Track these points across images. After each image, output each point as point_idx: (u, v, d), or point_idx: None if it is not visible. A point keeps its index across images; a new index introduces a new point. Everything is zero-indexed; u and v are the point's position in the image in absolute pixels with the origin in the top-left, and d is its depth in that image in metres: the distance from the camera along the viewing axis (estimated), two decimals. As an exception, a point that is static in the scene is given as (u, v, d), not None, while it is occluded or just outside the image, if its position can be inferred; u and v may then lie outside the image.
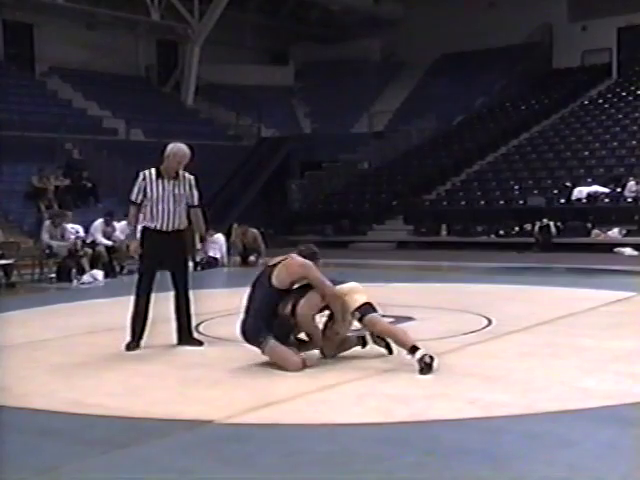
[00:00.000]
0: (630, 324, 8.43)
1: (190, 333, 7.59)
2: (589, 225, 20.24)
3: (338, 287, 6.66)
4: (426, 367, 6.06)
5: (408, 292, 11.95)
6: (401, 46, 33.26)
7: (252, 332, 6.50)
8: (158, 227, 7.40)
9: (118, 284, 14.40)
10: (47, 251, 15.17)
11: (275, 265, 6.62)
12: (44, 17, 28.42)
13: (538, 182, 23.42)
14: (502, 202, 22.89)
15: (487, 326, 8.42)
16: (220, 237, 17.59)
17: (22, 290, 13.87)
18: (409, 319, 8.91)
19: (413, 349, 6.24)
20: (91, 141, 24.11)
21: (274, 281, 6.51)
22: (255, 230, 17.89)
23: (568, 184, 22.10)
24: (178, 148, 7.51)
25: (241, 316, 6.69)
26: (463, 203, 23.65)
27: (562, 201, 21.59)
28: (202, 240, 8.48)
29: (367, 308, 6.65)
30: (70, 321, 9.68)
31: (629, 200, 20.70)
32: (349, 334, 6.90)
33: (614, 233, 19.75)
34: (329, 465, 4.26)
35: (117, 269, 15.82)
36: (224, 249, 17.51)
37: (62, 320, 9.77)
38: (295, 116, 33.54)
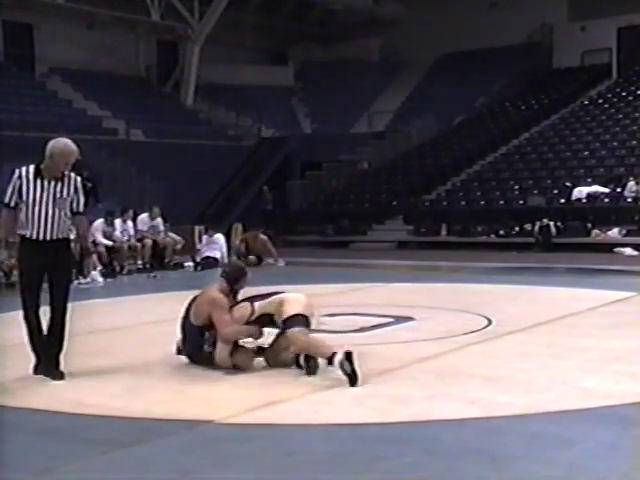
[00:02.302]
0: (630, 324, 8.43)
1: (56, 362, 6.27)
2: (589, 225, 20.22)
3: (268, 301, 6.46)
4: (351, 376, 5.73)
5: (408, 292, 11.95)
6: (401, 46, 33.23)
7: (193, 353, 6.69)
8: (34, 236, 6.18)
9: (118, 284, 14.40)
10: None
11: (194, 299, 6.67)
12: (44, 17, 28.41)
13: (538, 182, 23.41)
14: (502, 202, 22.89)
15: (487, 326, 8.42)
16: (220, 237, 17.59)
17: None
18: (409, 319, 8.92)
19: (330, 359, 5.92)
20: (91, 141, 24.12)
21: (192, 318, 6.57)
22: (264, 236, 17.88)
23: (568, 184, 22.08)
24: (65, 145, 6.20)
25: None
26: (463, 203, 23.64)
27: (562, 201, 21.57)
28: (84, 252, 7.30)
29: (293, 321, 6.29)
30: (70, 321, 9.66)
31: (629, 200, 20.69)
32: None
33: (614, 233, 19.75)
34: (329, 465, 4.26)
35: (117, 269, 15.81)
36: (224, 249, 17.51)
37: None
38: (295, 116, 33.54)
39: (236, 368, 6.32)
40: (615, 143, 24.64)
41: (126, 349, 7.64)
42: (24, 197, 6.15)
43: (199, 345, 6.51)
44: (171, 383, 6.13)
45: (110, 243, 15.77)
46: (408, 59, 33.32)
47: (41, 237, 6.17)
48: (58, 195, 6.19)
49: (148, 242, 16.69)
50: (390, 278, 13.85)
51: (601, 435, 4.72)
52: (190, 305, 6.67)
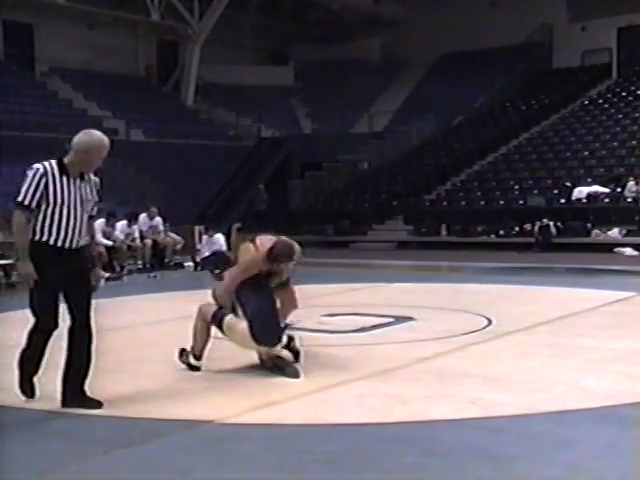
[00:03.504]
0: (630, 324, 8.43)
1: (83, 390, 5.46)
2: (589, 225, 20.22)
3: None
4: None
5: (408, 292, 11.95)
6: (401, 46, 33.24)
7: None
8: (59, 243, 5.33)
9: (118, 284, 14.40)
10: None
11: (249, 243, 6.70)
12: (44, 17, 28.43)
13: (538, 182, 23.41)
14: (502, 202, 22.88)
15: (487, 326, 8.42)
16: (220, 237, 17.57)
17: (22, 290, 13.84)
18: (409, 319, 8.91)
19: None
20: (91, 141, 24.10)
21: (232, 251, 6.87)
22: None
23: (568, 184, 22.08)
24: (101, 138, 5.42)
25: None
26: (463, 203, 23.64)
27: (562, 201, 21.57)
28: (94, 260, 5.84)
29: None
30: (69, 322, 9.66)
31: (629, 200, 20.69)
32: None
33: (614, 233, 19.74)
34: (329, 465, 4.26)
35: (117, 269, 15.82)
36: (224, 249, 17.50)
37: (62, 320, 9.75)
38: (295, 116, 33.54)
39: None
40: (615, 143, 24.64)
41: (126, 349, 7.63)
42: (50, 197, 5.27)
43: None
44: (171, 383, 6.13)
45: (110, 243, 15.78)
46: (408, 59, 33.33)
47: (67, 244, 5.33)
48: (84, 196, 5.41)
49: (148, 242, 16.71)
50: (390, 278, 13.85)
51: (601, 435, 4.72)
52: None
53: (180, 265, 17.16)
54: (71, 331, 5.46)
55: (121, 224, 16.58)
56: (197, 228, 19.67)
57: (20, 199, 5.26)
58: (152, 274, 15.72)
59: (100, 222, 16.00)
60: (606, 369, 6.29)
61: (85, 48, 29.03)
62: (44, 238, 5.29)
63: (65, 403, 5.39)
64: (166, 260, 17.04)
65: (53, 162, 5.33)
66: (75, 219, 5.34)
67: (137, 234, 16.63)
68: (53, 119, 24.48)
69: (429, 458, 4.33)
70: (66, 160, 5.35)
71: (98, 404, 5.33)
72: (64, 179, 5.30)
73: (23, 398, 5.51)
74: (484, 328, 8.31)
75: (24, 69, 28.56)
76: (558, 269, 15.58)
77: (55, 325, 5.42)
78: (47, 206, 5.26)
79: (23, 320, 8.66)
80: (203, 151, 26.64)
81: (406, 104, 32.04)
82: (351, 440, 4.67)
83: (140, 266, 16.56)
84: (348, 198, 26.39)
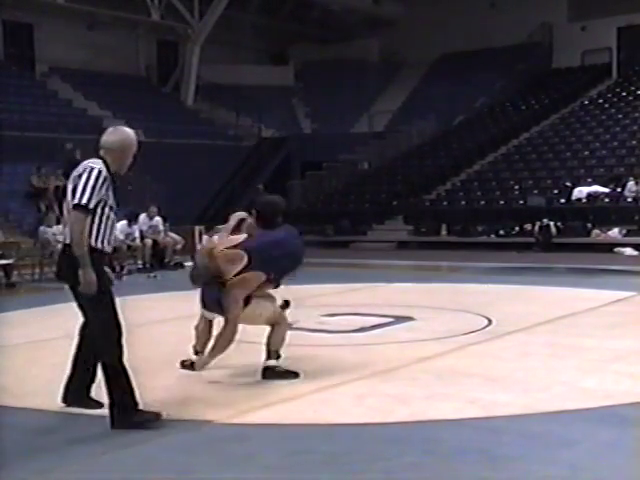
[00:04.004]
0: (630, 324, 8.43)
1: (88, 391, 5.37)
2: (589, 225, 20.21)
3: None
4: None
5: (408, 292, 11.95)
6: (401, 46, 33.21)
7: None
8: (108, 248, 5.07)
9: (118, 284, 14.37)
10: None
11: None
12: (44, 17, 28.41)
13: (538, 182, 23.40)
14: (502, 202, 22.87)
15: (487, 326, 8.42)
16: (220, 237, 17.59)
17: (22, 290, 13.87)
18: (409, 319, 8.92)
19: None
20: (91, 141, 24.06)
21: (203, 258, 6.32)
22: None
23: (568, 184, 22.07)
24: (133, 135, 5.28)
25: None
26: (463, 203, 23.63)
27: (562, 201, 21.57)
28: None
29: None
30: (70, 321, 9.65)
31: (629, 200, 20.68)
32: None
33: (614, 233, 19.73)
34: (329, 465, 4.26)
35: (117, 269, 15.82)
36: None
37: (62, 320, 9.75)
38: (295, 116, 33.54)
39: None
40: (615, 143, 24.63)
41: (126, 349, 7.61)
42: (110, 200, 4.97)
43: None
44: (171, 383, 6.13)
45: (132, 244, 15.82)
46: (408, 59, 33.31)
47: (110, 249, 5.11)
48: (115, 197, 5.12)
49: (148, 242, 16.72)
50: (390, 278, 13.85)
51: (601, 435, 4.72)
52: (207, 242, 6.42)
53: (180, 265, 17.15)
54: (83, 330, 5.34)
55: (121, 224, 16.58)
56: (197, 228, 19.68)
57: (85, 201, 4.81)
58: (152, 274, 15.72)
59: (122, 224, 16.07)
60: (606, 369, 6.29)
61: (85, 48, 29.02)
62: (99, 244, 4.94)
63: (67, 401, 5.34)
64: (166, 260, 17.05)
65: (101, 162, 5.00)
66: (113, 221, 5.09)
67: (137, 234, 16.65)
68: (53, 119, 24.48)
69: (429, 458, 4.33)
70: (108, 159, 5.04)
71: (98, 405, 5.27)
72: (111, 181, 5.03)
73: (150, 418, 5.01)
74: (484, 328, 8.31)
75: (24, 69, 28.53)
76: (558, 269, 15.58)
77: (120, 339, 5.06)
78: (103, 210, 4.93)
79: (23, 320, 8.62)
80: (203, 151, 26.64)
81: (406, 104, 32.04)
82: (351, 440, 4.67)
83: (140, 266, 16.58)
84: (348, 198, 26.39)
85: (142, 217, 17.14)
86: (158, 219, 17.32)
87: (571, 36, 30.32)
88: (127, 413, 4.92)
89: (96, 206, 4.88)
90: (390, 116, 31.33)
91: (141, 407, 5.00)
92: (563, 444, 4.50)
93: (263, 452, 4.48)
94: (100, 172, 4.90)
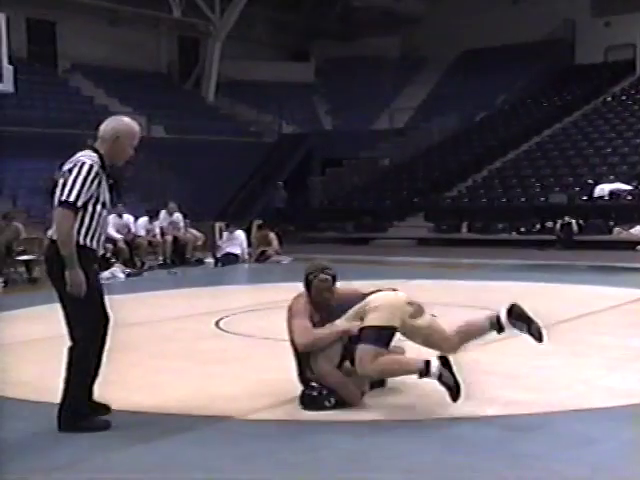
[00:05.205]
0: (653, 322, 8.36)
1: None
2: (611, 223, 20.08)
3: (356, 309, 5.25)
4: (452, 388, 4.96)
5: (428, 289, 11.89)
6: (422, 43, 33.13)
7: None
8: (94, 245, 4.82)
9: (138, 280, 14.46)
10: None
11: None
12: (66, 14, 28.57)
13: (560, 179, 23.26)
14: (523, 199, 22.75)
15: (508, 324, 8.37)
16: (241, 233, 17.64)
17: (44, 286, 13.94)
18: (430, 316, 8.87)
19: (423, 371, 5.00)
20: (113, 138, 24.25)
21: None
22: (272, 234, 17.97)
23: (590, 181, 21.93)
24: (129, 123, 5.02)
25: None
26: (484, 200, 23.54)
27: (584, 198, 21.43)
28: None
29: (361, 336, 5.07)
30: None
31: (652, 197, 20.53)
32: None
33: (636, 231, 19.58)
34: (350, 462, 4.26)
35: (138, 265, 15.90)
36: (244, 245, 17.56)
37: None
38: (316, 113, 33.53)
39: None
40: (638, 140, 24.41)
41: (146, 344, 7.67)
42: (101, 196, 4.76)
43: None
44: (191, 379, 6.15)
45: (120, 237, 15.75)
46: (429, 56, 33.22)
47: (101, 248, 4.94)
48: (112, 192, 4.93)
49: (169, 238, 16.78)
50: (410, 275, 13.80)
51: (623, 434, 4.68)
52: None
53: (200, 261, 17.22)
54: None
55: (142, 220, 16.68)
56: (218, 224, 19.74)
57: (73, 199, 4.63)
58: (172, 270, 15.78)
59: (112, 216, 16.06)
60: (628, 367, 6.25)
61: (107, 45, 29.17)
62: (88, 242, 4.75)
63: None
64: (186, 256, 17.11)
65: (95, 155, 4.78)
66: (105, 218, 4.89)
67: (158, 230, 16.72)
68: (75, 115, 24.61)
69: (449, 456, 4.31)
70: (101, 151, 4.82)
71: (107, 409, 5.07)
72: (104, 175, 4.80)
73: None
74: (505, 326, 8.26)
75: (47, 66, 28.72)
76: (580, 267, 15.49)
77: (103, 339, 4.93)
78: (94, 206, 4.74)
79: (45, 316, 8.69)
80: (224, 147, 26.69)
81: (427, 101, 31.95)
82: (370, 437, 4.66)
83: (161, 262, 16.64)
84: (369, 195, 26.35)
85: (162, 213, 17.21)
86: (178, 215, 17.38)
87: (594, 32, 30.08)
88: (76, 417, 4.78)
89: (86, 203, 4.69)
90: (411, 113, 31.25)
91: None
92: (584, 443, 4.47)
93: (282, 448, 4.48)
94: (91, 167, 4.70)
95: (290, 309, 5.33)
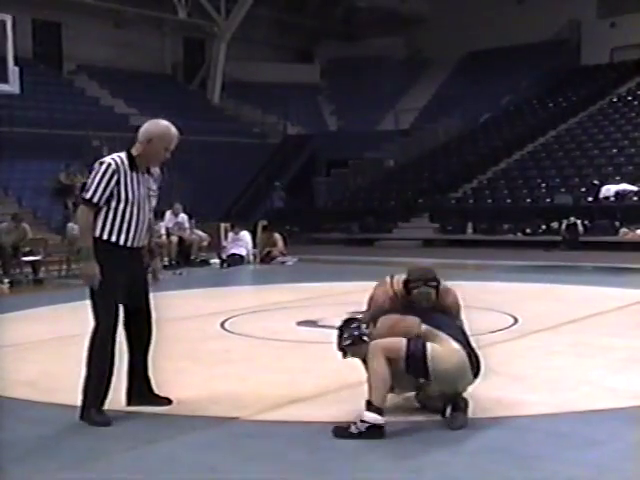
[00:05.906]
0: (658, 323, 8.34)
1: (150, 387, 5.41)
2: (617, 223, 20.04)
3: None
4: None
5: (434, 290, 11.89)
6: (427, 44, 33.15)
7: None
8: (128, 242, 5.07)
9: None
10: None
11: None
12: (72, 15, 28.63)
13: (565, 180, 23.23)
14: (529, 200, 22.74)
15: (513, 325, 8.38)
16: (246, 234, 17.65)
17: (49, 286, 13.98)
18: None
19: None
20: (118, 138, 24.27)
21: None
22: (278, 235, 17.97)
23: (596, 182, 21.89)
24: (166, 126, 5.25)
25: None
26: (489, 201, 23.53)
27: (590, 199, 21.39)
28: (152, 254, 5.59)
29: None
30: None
31: (658, 198, 20.49)
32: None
33: (642, 231, 19.54)
34: (354, 463, 4.26)
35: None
36: (250, 246, 17.57)
37: (90, 317, 9.83)
38: (321, 114, 33.56)
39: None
40: (644, 141, 24.39)
41: (152, 346, 7.65)
42: (122, 194, 4.97)
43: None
44: (196, 380, 6.15)
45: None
46: (434, 57, 33.23)
47: (134, 244, 5.10)
48: (151, 192, 5.19)
49: (174, 239, 16.80)
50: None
51: (628, 435, 4.67)
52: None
53: (206, 262, 17.23)
54: (128, 327, 5.34)
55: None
56: (223, 225, 19.76)
57: (89, 196, 4.96)
58: (178, 271, 15.79)
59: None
60: (634, 369, 6.23)
61: (112, 46, 29.25)
62: (113, 238, 4.99)
63: (131, 401, 5.29)
64: (192, 257, 17.12)
65: (123, 155, 5.06)
66: (144, 216, 5.11)
67: (163, 231, 16.72)
68: (80, 116, 24.65)
69: (455, 456, 4.31)
70: (134, 152, 5.09)
71: (168, 402, 5.30)
72: (134, 174, 5.03)
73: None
74: (510, 327, 8.27)
75: (52, 67, 28.80)
76: (585, 267, 15.46)
77: (115, 328, 5.14)
78: (117, 204, 4.98)
79: (52, 316, 8.70)
80: (229, 148, 26.72)
81: (432, 102, 31.95)
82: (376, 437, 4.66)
83: (166, 263, 16.65)
84: (374, 195, 26.35)
85: (168, 214, 17.22)
86: (183, 216, 17.39)
87: (600, 33, 30.05)
88: (90, 409, 4.99)
89: (109, 200, 4.97)
90: (416, 114, 31.26)
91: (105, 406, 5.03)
92: (590, 444, 4.47)
93: (289, 449, 4.48)
94: (109, 166, 4.97)
95: (372, 300, 5.32)
